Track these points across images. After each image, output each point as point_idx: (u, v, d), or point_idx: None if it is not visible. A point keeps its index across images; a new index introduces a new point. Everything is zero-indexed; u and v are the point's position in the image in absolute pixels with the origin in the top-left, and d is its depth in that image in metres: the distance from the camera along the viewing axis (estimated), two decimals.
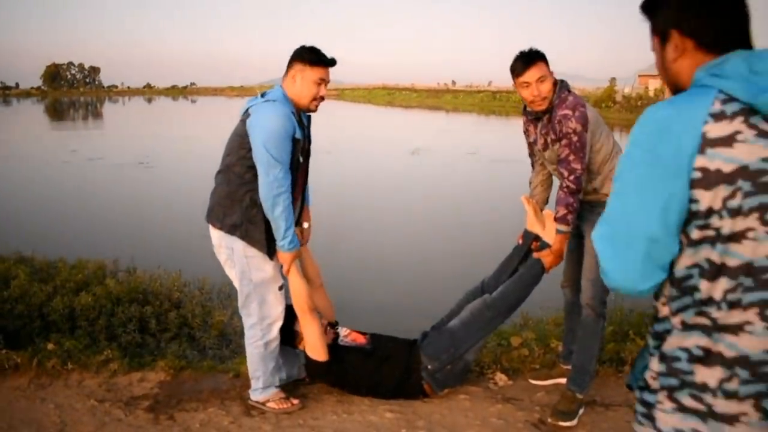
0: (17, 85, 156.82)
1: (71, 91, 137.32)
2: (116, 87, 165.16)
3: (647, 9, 1.32)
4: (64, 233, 8.29)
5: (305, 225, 3.18)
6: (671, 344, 1.25)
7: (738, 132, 1.12)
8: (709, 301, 1.18)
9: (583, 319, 3.07)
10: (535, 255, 3.09)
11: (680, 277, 1.21)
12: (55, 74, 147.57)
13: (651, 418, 1.28)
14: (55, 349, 3.60)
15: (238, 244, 2.87)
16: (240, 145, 2.79)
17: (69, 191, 12.17)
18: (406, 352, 3.13)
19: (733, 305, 1.17)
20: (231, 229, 2.85)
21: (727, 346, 1.18)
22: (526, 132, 3.12)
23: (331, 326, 3.25)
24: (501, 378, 3.39)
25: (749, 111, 1.12)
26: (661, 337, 1.27)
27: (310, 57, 2.80)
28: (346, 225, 8.05)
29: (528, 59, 2.81)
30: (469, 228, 8.40)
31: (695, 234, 1.17)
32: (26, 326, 4.18)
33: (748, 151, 1.12)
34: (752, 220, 1.13)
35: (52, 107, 61.90)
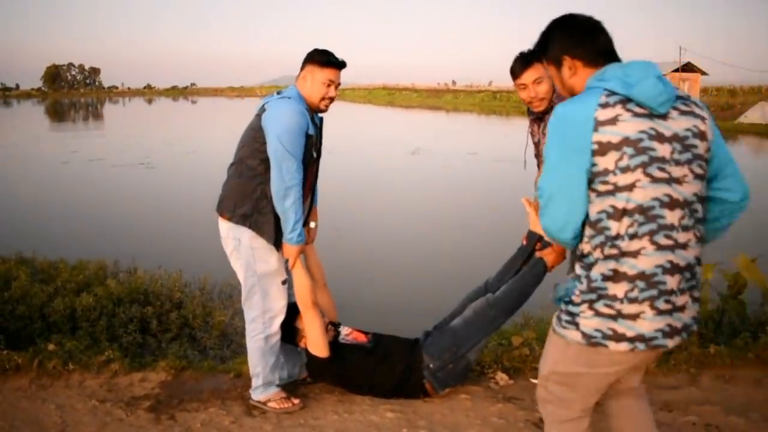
0: (17, 86, 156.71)
1: (71, 92, 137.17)
2: (116, 88, 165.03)
3: (541, 46, 1.88)
4: (64, 234, 8.29)
5: (312, 224, 3.21)
6: (595, 271, 1.72)
7: (619, 115, 1.64)
8: (617, 236, 1.66)
9: None
10: (537, 254, 3.08)
11: (594, 220, 1.70)
12: (55, 75, 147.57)
13: (575, 324, 1.76)
14: (56, 350, 3.60)
15: (245, 235, 2.92)
16: (254, 139, 2.87)
17: (70, 192, 12.18)
18: (407, 350, 3.13)
19: (633, 237, 1.65)
20: (241, 220, 2.90)
21: (630, 266, 1.66)
22: (531, 132, 3.12)
23: (332, 325, 3.25)
24: (502, 377, 3.39)
25: (626, 100, 1.65)
26: (589, 268, 1.74)
27: (320, 58, 2.89)
28: (347, 225, 8.05)
29: (525, 61, 2.80)
30: (470, 228, 8.41)
31: (600, 188, 1.66)
32: (27, 327, 4.18)
33: (627, 127, 1.63)
34: (638, 174, 1.63)
35: (52, 108, 61.90)
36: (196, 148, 19.95)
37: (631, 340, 1.69)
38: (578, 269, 1.79)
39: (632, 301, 1.67)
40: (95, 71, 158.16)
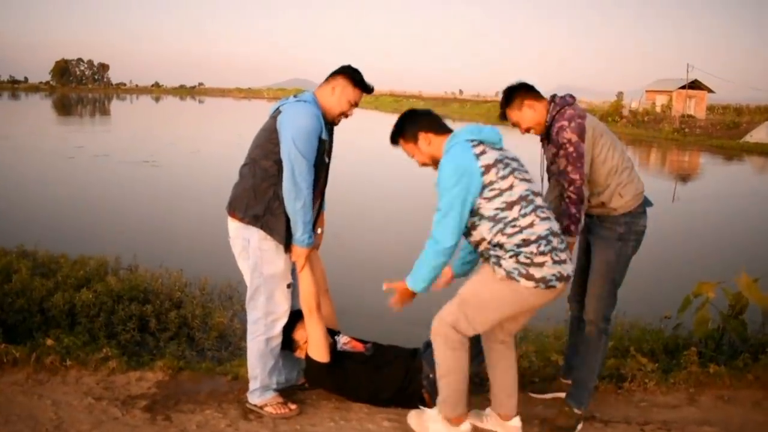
0: (26, 79, 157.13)
1: (79, 87, 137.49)
2: (125, 85, 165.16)
3: (400, 132, 2.73)
4: (67, 228, 8.31)
5: (318, 230, 3.20)
6: (508, 245, 2.46)
7: (484, 149, 2.52)
8: (514, 219, 2.45)
9: (586, 335, 3.06)
10: None
11: (492, 216, 2.47)
12: (64, 70, 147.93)
13: (499, 265, 2.49)
14: (54, 345, 3.59)
15: (255, 236, 2.92)
16: (268, 140, 2.88)
17: (74, 187, 12.22)
18: (406, 360, 3.11)
19: (524, 216, 2.46)
20: (252, 220, 2.91)
21: (530, 233, 2.45)
22: (543, 149, 3.15)
23: (330, 334, 3.24)
24: None
25: (481, 142, 2.54)
26: (501, 247, 2.48)
27: (355, 78, 2.95)
28: (350, 231, 8.05)
29: (501, 113, 3.07)
30: None
31: (490, 194, 2.46)
32: (26, 321, 4.18)
33: (493, 154, 2.51)
34: (511, 179, 2.49)
35: (60, 103, 62.07)
36: (200, 147, 19.98)
37: (537, 281, 2.45)
38: (493, 253, 2.51)
39: (539, 255, 2.45)
40: (104, 67, 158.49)
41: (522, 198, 2.47)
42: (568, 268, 2.54)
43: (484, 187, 2.45)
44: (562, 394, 3.22)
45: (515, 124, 3.06)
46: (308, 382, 3.25)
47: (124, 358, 3.59)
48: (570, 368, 3.34)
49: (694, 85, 44.61)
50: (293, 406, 3.08)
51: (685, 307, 4.16)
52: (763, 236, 10.44)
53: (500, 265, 2.48)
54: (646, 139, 33.41)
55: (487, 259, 2.58)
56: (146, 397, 3.21)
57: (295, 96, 3.00)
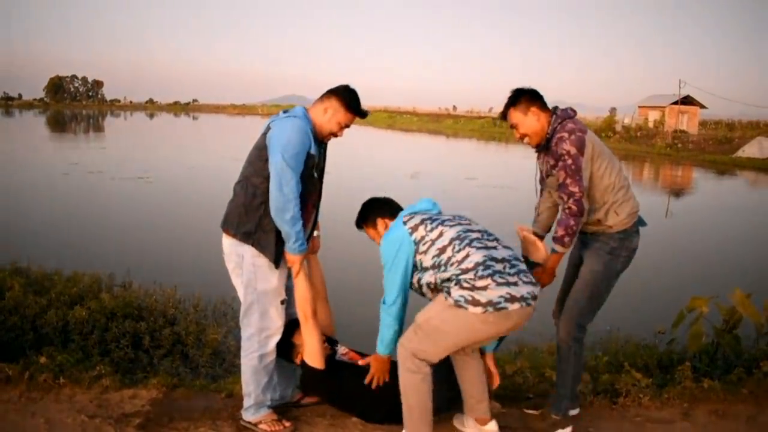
0: (20, 96, 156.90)
1: (74, 104, 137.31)
2: (119, 101, 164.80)
3: (363, 219, 3.07)
4: (61, 245, 8.28)
5: (315, 233, 3.23)
6: (452, 275, 2.60)
7: (412, 217, 2.79)
8: (449, 257, 2.63)
9: (557, 341, 3.12)
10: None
11: (432, 264, 2.68)
12: (58, 86, 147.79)
13: (449, 293, 2.59)
14: (47, 363, 3.57)
15: (248, 253, 2.94)
16: (258, 158, 2.91)
17: (68, 203, 12.19)
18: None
19: (459, 251, 2.63)
20: (244, 237, 2.93)
21: (467, 263, 2.58)
22: (538, 160, 3.17)
23: (329, 342, 3.24)
24: (495, 405, 3.36)
25: (416, 213, 2.83)
26: (447, 280, 2.61)
27: (350, 102, 2.97)
28: (344, 247, 8.04)
29: (503, 110, 3.06)
30: None
31: (423, 248, 2.70)
32: (19, 338, 4.16)
33: (417, 218, 2.78)
34: (440, 228, 2.71)
35: (54, 120, 62.07)
36: (195, 163, 19.99)
37: (484, 305, 2.52)
38: (443, 285, 2.64)
39: (480, 278, 2.55)
40: (98, 84, 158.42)
41: (454, 239, 2.66)
42: (522, 290, 2.58)
43: (416, 243, 2.70)
44: None
45: (513, 126, 3.05)
46: (303, 389, 3.24)
47: (117, 375, 3.57)
48: None
49: (687, 100, 44.95)
50: (287, 424, 3.07)
51: (678, 322, 4.17)
52: (756, 251, 10.49)
53: (450, 294, 2.59)
54: (639, 154, 33.62)
55: (441, 291, 2.68)
56: (140, 414, 3.19)
57: (285, 111, 3.02)
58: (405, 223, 2.77)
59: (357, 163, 20.95)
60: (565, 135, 2.85)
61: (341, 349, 3.28)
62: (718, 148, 33.82)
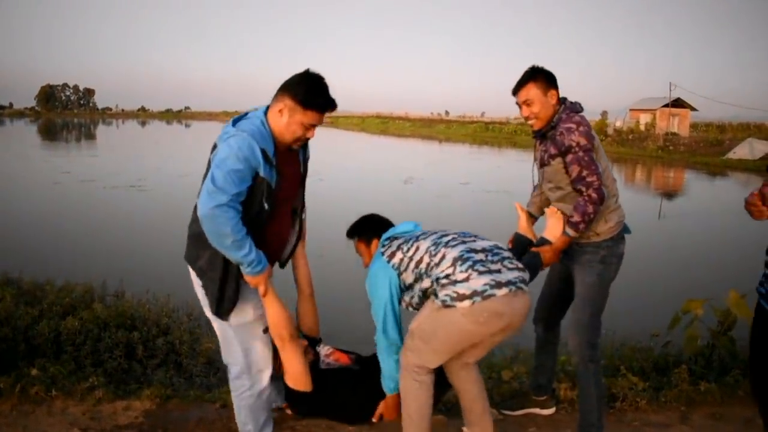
0: (11, 104, 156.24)
1: (65, 113, 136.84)
2: (110, 109, 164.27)
3: (359, 234, 3.03)
4: (53, 255, 8.22)
5: (303, 216, 2.90)
6: (435, 277, 2.58)
7: (390, 245, 2.81)
8: (428, 263, 2.62)
9: (575, 367, 3.05)
10: (534, 249, 2.99)
11: (414, 277, 2.66)
12: (49, 95, 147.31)
13: (436, 296, 2.56)
14: (39, 375, 3.53)
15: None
16: (204, 180, 2.46)
17: (60, 213, 12.12)
18: None
19: (435, 255, 2.61)
20: (200, 273, 2.59)
21: (445, 262, 2.56)
22: (535, 149, 3.11)
23: (311, 345, 3.13)
24: (492, 412, 3.34)
25: (394, 238, 2.84)
26: (433, 284, 2.58)
27: (303, 98, 2.38)
28: (337, 253, 8.01)
29: (521, 81, 2.90)
30: None
31: (404, 267, 2.70)
32: (10, 350, 4.10)
33: (394, 244, 2.78)
34: (415, 245, 2.71)
35: (45, 128, 61.78)
36: (187, 171, 19.92)
37: (470, 296, 2.46)
38: (431, 291, 2.61)
39: (461, 271, 2.51)
40: (90, 92, 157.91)
41: (429, 247, 2.66)
42: (508, 275, 2.53)
43: (397, 268, 2.71)
44: (536, 410, 3.29)
45: (527, 102, 2.89)
46: (293, 409, 3.18)
47: (110, 387, 3.54)
48: (538, 386, 3.36)
49: (677, 103, 45.16)
50: None
51: (674, 325, 4.17)
52: (749, 252, 10.50)
53: (437, 296, 2.55)
54: (630, 157, 33.73)
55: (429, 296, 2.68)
56: (133, 426, 3.16)
57: (235, 121, 2.50)
58: (383, 254, 2.77)
59: (350, 166, 20.93)
60: (573, 126, 2.77)
61: (325, 350, 3.17)
62: (709, 150, 33.97)
